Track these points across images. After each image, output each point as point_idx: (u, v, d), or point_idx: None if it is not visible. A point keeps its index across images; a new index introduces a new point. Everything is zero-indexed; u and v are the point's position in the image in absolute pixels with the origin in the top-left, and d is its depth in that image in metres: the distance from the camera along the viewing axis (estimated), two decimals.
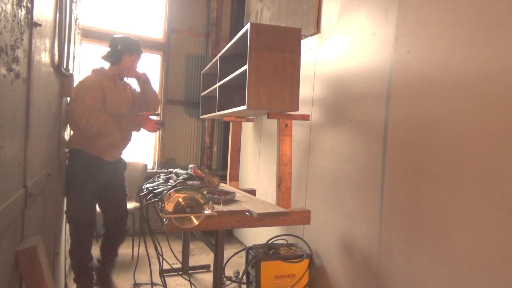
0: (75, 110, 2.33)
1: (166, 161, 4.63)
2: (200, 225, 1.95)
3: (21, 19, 0.96)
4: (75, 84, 2.42)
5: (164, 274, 3.01)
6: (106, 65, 2.68)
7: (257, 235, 3.75)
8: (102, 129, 2.33)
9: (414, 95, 1.98)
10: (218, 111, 2.99)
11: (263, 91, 2.16)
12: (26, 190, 1.04)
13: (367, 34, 2.36)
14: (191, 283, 2.77)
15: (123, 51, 2.64)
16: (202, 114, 3.94)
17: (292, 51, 2.19)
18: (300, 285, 2.66)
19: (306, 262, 2.68)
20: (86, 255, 2.51)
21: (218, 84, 2.98)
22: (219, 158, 4.92)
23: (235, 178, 3.38)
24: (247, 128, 4.28)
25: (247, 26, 2.18)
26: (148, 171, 4.18)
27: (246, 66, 2.19)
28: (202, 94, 3.87)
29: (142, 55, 2.80)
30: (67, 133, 2.65)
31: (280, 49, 2.17)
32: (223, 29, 4.67)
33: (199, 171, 2.77)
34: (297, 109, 2.27)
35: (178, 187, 1.99)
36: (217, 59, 3.11)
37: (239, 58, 2.86)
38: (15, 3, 0.89)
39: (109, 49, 2.65)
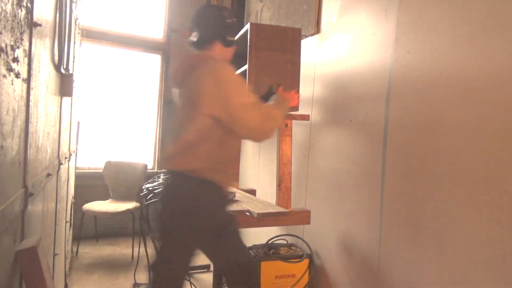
0: (240, 111, 1.57)
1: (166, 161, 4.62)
2: None
3: (21, 19, 0.96)
4: (202, 74, 1.66)
5: None
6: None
7: (257, 235, 3.75)
8: (275, 127, 1.70)
9: (414, 95, 1.98)
10: None
11: (264, 91, 2.16)
12: (26, 190, 1.04)
13: (367, 34, 2.36)
14: (191, 283, 2.78)
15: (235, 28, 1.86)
16: None
17: (292, 51, 2.20)
18: (300, 285, 2.66)
19: (306, 262, 2.68)
20: None
21: None
22: None
23: (235, 178, 3.38)
24: None
25: (247, 26, 2.18)
26: (148, 171, 4.18)
27: (246, 66, 2.19)
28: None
29: None
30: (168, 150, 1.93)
31: (280, 49, 2.17)
32: None
33: None
34: (297, 109, 2.27)
35: None
36: None
37: (238, 58, 2.86)
38: (15, 3, 0.89)
39: (205, 27, 1.81)
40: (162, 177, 2.90)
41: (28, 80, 1.07)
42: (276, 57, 2.17)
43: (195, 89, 1.67)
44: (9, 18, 0.84)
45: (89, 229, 4.04)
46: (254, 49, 2.13)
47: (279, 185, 2.34)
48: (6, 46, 0.82)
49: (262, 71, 2.15)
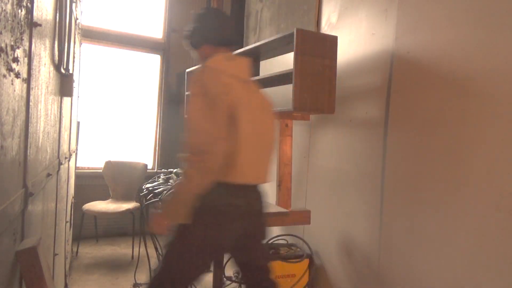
0: None
1: (166, 161, 4.63)
2: None
3: (21, 19, 0.96)
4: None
5: None
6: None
7: None
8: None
9: (414, 95, 1.98)
10: None
11: (307, 94, 2.21)
12: (26, 190, 1.04)
13: (367, 34, 2.36)
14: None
15: None
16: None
17: (330, 58, 2.28)
18: (300, 285, 2.66)
19: (306, 262, 2.68)
20: None
21: None
22: None
23: None
24: None
25: (293, 31, 2.22)
26: (148, 171, 4.18)
27: (289, 70, 2.25)
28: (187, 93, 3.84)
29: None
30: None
31: (320, 55, 2.25)
32: None
33: None
34: (333, 112, 2.30)
35: None
36: None
37: (253, 62, 2.93)
38: (15, 3, 0.89)
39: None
40: (162, 176, 2.90)
41: (28, 80, 1.07)
42: (317, 62, 2.24)
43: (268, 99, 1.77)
44: (9, 18, 0.84)
45: (89, 229, 4.04)
46: (300, 54, 2.19)
47: (279, 185, 2.34)
48: (6, 46, 0.82)
49: (305, 75, 2.21)
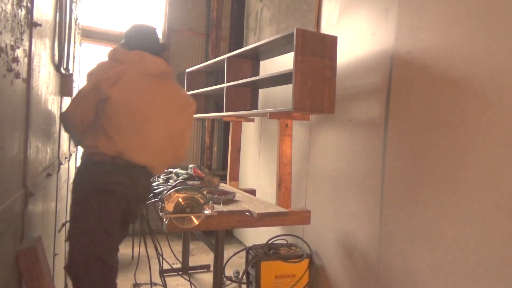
0: None
1: None
2: (200, 225, 1.96)
3: (21, 19, 0.96)
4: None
5: (164, 274, 3.01)
6: None
7: (257, 235, 3.75)
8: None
9: (414, 95, 1.98)
10: (226, 111, 3.01)
11: (306, 94, 2.21)
12: (26, 190, 1.04)
13: (367, 34, 2.36)
14: (191, 283, 2.78)
15: None
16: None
17: (330, 57, 2.28)
18: (300, 285, 2.66)
19: (306, 262, 2.68)
20: None
21: (226, 84, 2.99)
22: (219, 158, 4.92)
23: (235, 178, 3.38)
24: (247, 128, 4.28)
25: (293, 31, 2.21)
26: None
27: (290, 69, 2.25)
28: (189, 93, 3.85)
29: None
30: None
31: (320, 55, 2.25)
32: (223, 29, 4.67)
33: (199, 171, 2.77)
34: (333, 112, 2.30)
35: (178, 187, 1.99)
36: (223, 59, 3.11)
37: (246, 60, 2.91)
38: (15, 3, 0.89)
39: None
40: (162, 176, 2.90)
41: (28, 80, 1.07)
42: (317, 62, 2.24)
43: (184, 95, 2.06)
44: (9, 18, 0.84)
45: None
46: (300, 54, 2.19)
47: (279, 185, 2.34)
48: (6, 46, 0.82)
49: (305, 75, 2.21)
